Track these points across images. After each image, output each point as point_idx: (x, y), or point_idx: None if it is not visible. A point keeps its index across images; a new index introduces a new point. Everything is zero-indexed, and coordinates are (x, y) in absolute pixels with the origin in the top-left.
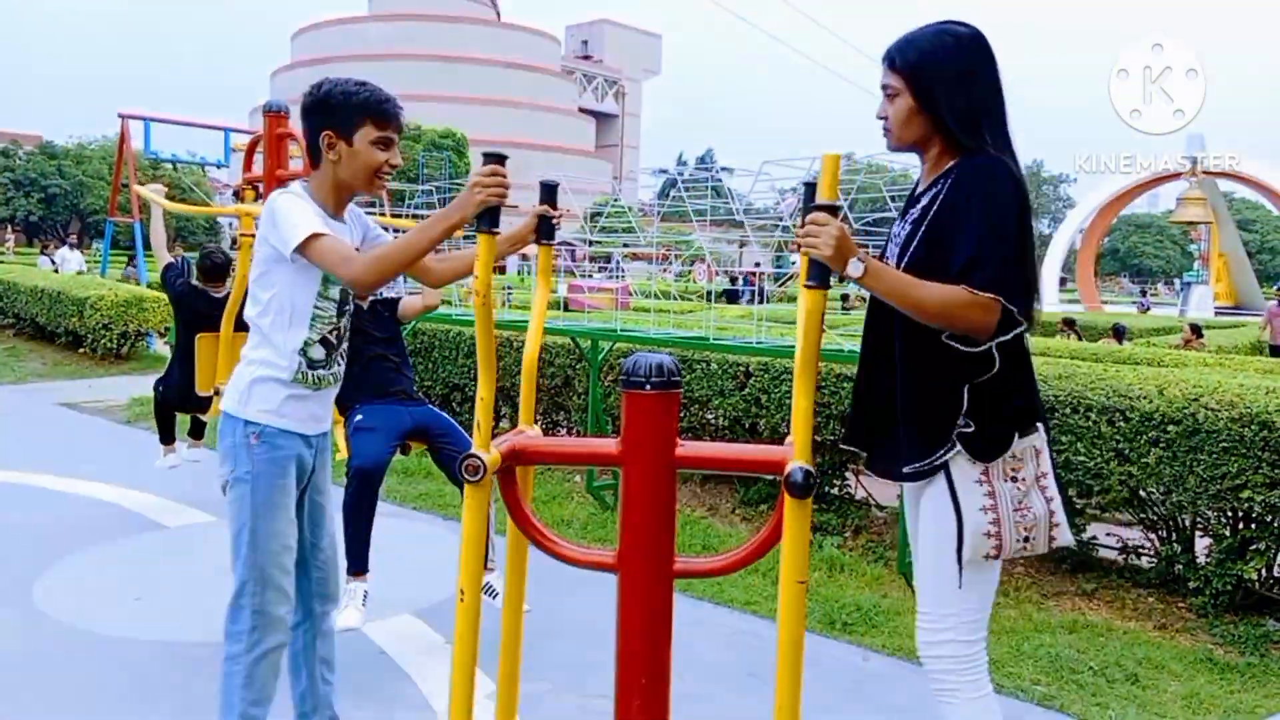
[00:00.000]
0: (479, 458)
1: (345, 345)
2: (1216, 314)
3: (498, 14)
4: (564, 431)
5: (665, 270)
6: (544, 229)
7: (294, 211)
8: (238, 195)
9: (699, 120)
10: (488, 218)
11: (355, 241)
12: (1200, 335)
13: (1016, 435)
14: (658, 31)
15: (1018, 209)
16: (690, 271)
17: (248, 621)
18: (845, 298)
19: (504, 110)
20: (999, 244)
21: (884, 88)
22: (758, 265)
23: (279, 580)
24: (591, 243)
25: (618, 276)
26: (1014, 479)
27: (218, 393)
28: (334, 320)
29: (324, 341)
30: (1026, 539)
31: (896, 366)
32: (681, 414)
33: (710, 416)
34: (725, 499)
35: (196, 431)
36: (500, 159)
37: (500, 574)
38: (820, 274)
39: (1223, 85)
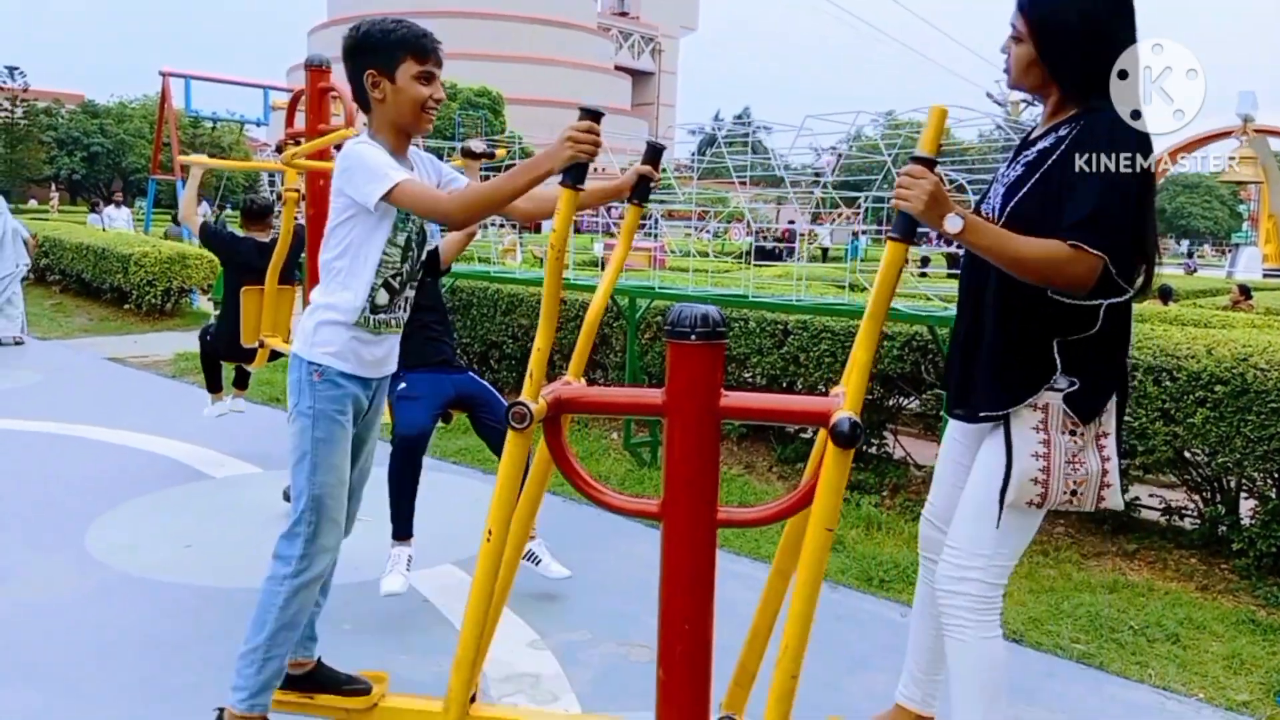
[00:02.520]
0: (525, 405)
1: (410, 292)
2: (1265, 276)
3: None
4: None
5: (703, 230)
6: (640, 189)
7: (375, 160)
8: (279, 150)
9: (737, 78)
10: (574, 172)
11: (432, 181)
12: (1249, 297)
13: (1114, 396)
14: None
15: (1140, 171)
16: (727, 230)
17: (300, 548)
18: (925, 260)
19: (539, 68)
20: (1117, 205)
21: (1012, 26)
22: (791, 223)
23: (334, 511)
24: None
25: (654, 235)
26: (1072, 432)
27: (262, 344)
28: (398, 266)
29: (387, 286)
30: (1074, 493)
31: (988, 313)
32: None
33: (748, 375)
34: (762, 456)
35: (241, 382)
36: (597, 115)
37: (541, 541)
38: (905, 226)
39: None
